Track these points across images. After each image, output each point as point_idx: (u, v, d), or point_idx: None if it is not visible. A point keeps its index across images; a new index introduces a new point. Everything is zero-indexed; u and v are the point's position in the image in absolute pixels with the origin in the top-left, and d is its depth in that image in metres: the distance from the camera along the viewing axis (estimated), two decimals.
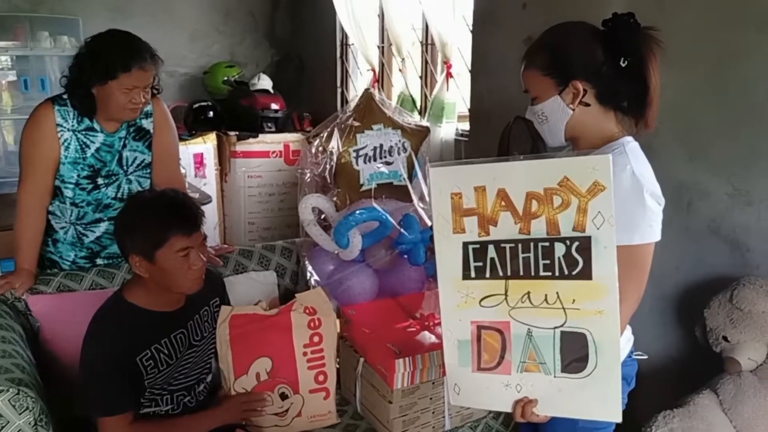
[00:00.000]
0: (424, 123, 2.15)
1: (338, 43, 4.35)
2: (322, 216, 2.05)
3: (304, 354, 1.83)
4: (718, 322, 1.85)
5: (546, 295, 1.16)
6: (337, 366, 1.95)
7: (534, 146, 2.46)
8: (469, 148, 3.22)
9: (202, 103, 4.35)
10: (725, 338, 1.82)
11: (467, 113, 3.28)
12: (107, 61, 1.89)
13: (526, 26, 2.79)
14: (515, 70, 2.97)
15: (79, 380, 1.61)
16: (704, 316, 1.90)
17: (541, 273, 1.16)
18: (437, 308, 2.05)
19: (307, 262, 2.08)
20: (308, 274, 2.06)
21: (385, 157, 2.03)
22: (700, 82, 2.09)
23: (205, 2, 4.68)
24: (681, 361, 2.19)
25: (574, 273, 1.14)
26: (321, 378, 1.84)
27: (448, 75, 3.24)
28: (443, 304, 1.24)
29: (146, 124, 2.10)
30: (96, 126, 2.02)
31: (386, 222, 1.96)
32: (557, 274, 1.15)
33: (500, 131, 2.69)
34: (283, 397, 1.82)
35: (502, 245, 1.17)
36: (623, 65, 1.29)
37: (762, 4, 1.96)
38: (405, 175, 2.06)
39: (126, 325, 1.63)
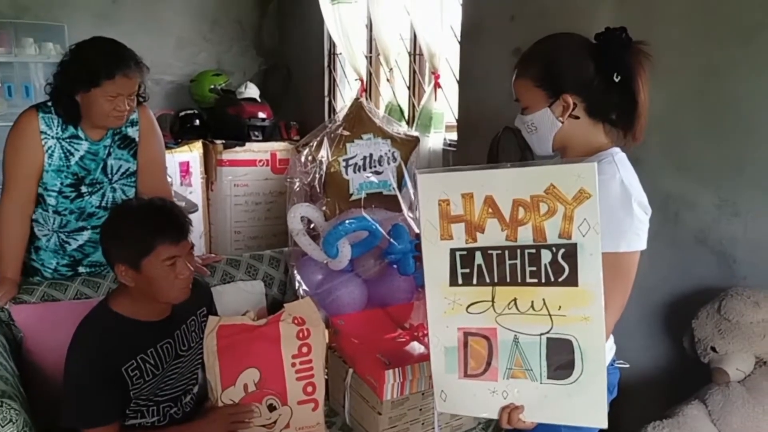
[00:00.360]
0: (414, 133, 2.14)
1: (326, 52, 4.35)
2: (311, 225, 2.03)
3: (293, 365, 1.81)
4: (706, 332, 1.85)
5: (532, 302, 1.17)
6: (326, 377, 1.93)
7: (522, 156, 2.47)
8: (457, 158, 3.22)
9: (189, 112, 4.33)
10: (713, 349, 1.83)
11: (455, 123, 3.29)
12: (90, 68, 1.87)
13: (514, 38, 2.80)
14: (503, 80, 2.98)
15: (63, 391, 1.58)
16: (692, 327, 1.91)
17: (528, 280, 1.17)
18: (426, 318, 2.06)
19: (295, 272, 2.06)
20: (296, 284, 2.04)
21: (375, 166, 2.02)
22: (687, 95, 2.11)
23: (192, 10, 4.66)
24: (669, 372, 2.19)
25: (560, 280, 1.15)
26: (309, 389, 1.82)
27: (436, 85, 3.25)
28: (430, 310, 1.24)
29: (132, 132, 2.08)
30: (80, 134, 1.99)
31: (376, 232, 1.95)
32: (543, 280, 1.16)
33: (488, 141, 2.70)
34: (271, 408, 1.80)
35: (489, 252, 1.18)
36: (616, 80, 1.30)
37: (747, 17, 1.99)
38: (395, 185, 2.05)
39: (111, 334, 1.61)
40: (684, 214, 2.11)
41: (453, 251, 1.20)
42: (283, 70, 4.87)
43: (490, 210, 1.17)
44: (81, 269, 2.12)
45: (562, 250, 1.14)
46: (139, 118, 2.09)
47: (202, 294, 1.87)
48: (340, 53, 4.16)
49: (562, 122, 1.34)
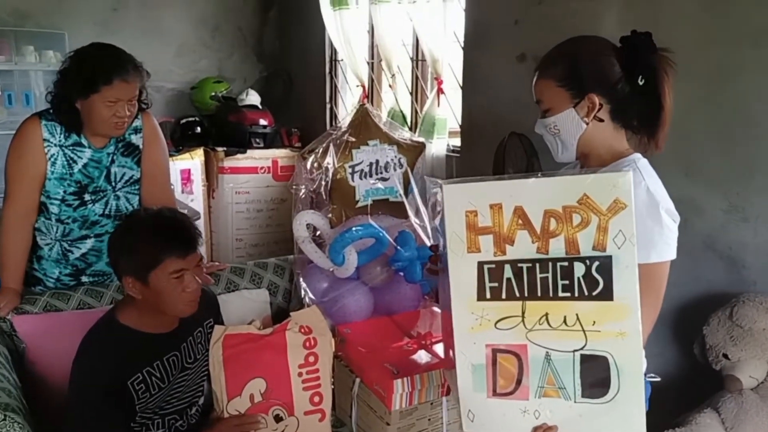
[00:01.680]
0: (420, 138, 2.12)
1: (327, 58, 4.33)
2: (317, 233, 2.01)
3: (299, 374, 1.77)
4: (717, 339, 1.83)
5: (565, 317, 1.13)
6: (332, 386, 1.90)
7: (529, 163, 2.45)
8: (461, 165, 3.21)
9: (190, 119, 4.31)
10: (725, 356, 1.81)
11: (458, 129, 3.27)
12: (88, 74, 1.86)
13: (518, 43, 2.79)
14: (507, 86, 2.99)
15: (67, 404, 1.56)
16: (703, 333, 1.89)
17: (560, 294, 1.13)
18: (433, 326, 2.03)
19: (301, 280, 2.04)
20: (302, 292, 2.02)
21: (381, 173, 2.00)
22: (695, 98, 2.09)
23: (193, 17, 4.64)
24: (679, 379, 2.17)
25: (594, 294, 1.11)
26: (317, 399, 1.79)
27: (439, 91, 3.24)
28: (456, 326, 1.19)
29: (135, 139, 2.06)
30: (84, 141, 1.98)
31: (383, 239, 1.93)
32: (577, 294, 1.12)
33: (492, 147, 2.68)
34: (278, 419, 1.76)
35: (519, 265, 1.14)
36: (640, 83, 1.28)
37: (755, 20, 1.97)
38: (401, 191, 2.03)
39: (117, 347, 1.58)
40: (693, 219, 2.09)
41: (481, 264, 1.15)
42: (284, 76, 4.86)
43: (520, 221, 1.13)
44: (84, 279, 2.10)
45: (596, 263, 1.11)
46: (143, 125, 2.07)
47: (209, 305, 1.85)
48: (342, 59, 4.15)
49: (587, 123, 1.32)
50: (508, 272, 1.14)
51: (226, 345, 1.74)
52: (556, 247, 1.12)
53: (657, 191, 1.28)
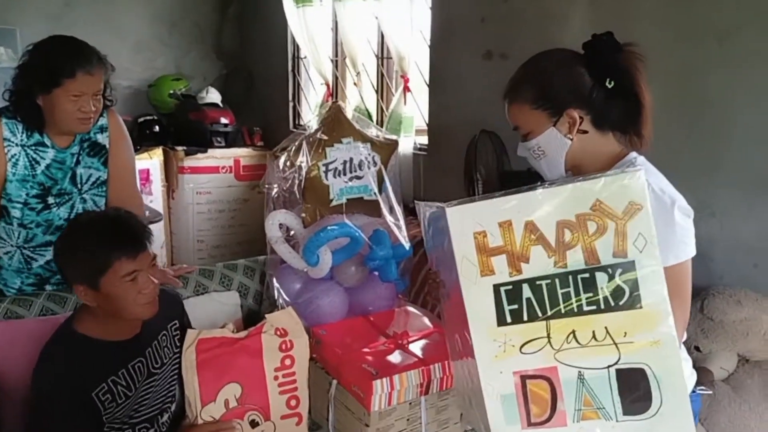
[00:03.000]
0: (393, 136, 2.10)
1: (290, 56, 4.28)
2: (290, 233, 1.97)
3: (276, 378, 1.74)
4: (689, 332, 1.86)
5: (594, 332, 1.07)
6: (308, 388, 1.87)
7: (499, 160, 2.46)
8: (428, 162, 3.21)
9: (148, 117, 4.22)
10: (697, 348, 1.84)
11: (425, 127, 3.27)
12: (50, 67, 1.77)
13: (485, 41, 2.80)
14: (474, 84, 2.99)
15: (29, 421, 1.48)
16: None
17: (585, 308, 1.07)
18: (408, 325, 2.02)
19: (274, 281, 1.99)
20: (276, 293, 1.98)
21: (355, 171, 1.97)
22: (662, 96, 2.10)
23: (149, 13, 4.53)
24: None
25: (621, 303, 1.06)
26: (293, 403, 1.76)
27: (406, 89, 3.22)
28: (479, 356, 1.10)
29: (101, 138, 1.98)
30: (46, 141, 1.89)
31: (358, 238, 1.90)
32: (603, 307, 1.07)
33: (460, 145, 2.69)
34: (254, 424, 1.72)
35: (538, 282, 1.08)
36: (609, 86, 1.27)
37: (721, 16, 2.01)
38: (375, 190, 2.00)
39: (77, 358, 1.50)
40: None
41: (497, 287, 1.09)
42: (245, 74, 4.78)
43: (532, 236, 1.08)
44: (48, 287, 2.01)
45: (619, 270, 1.06)
46: (109, 122, 1.99)
47: (171, 306, 1.78)
48: (305, 57, 4.10)
49: (572, 139, 1.30)
50: (526, 292, 1.08)
51: (199, 349, 1.70)
52: (575, 259, 1.07)
53: (664, 189, 1.26)
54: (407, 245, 2.02)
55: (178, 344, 1.74)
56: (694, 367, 1.85)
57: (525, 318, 1.09)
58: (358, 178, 1.99)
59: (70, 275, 1.52)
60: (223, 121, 4.18)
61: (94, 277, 1.46)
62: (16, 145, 1.86)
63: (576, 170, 1.36)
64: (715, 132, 2.05)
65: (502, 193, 1.09)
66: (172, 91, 4.36)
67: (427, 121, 3.25)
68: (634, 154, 1.33)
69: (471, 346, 1.11)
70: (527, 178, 1.99)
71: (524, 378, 1.10)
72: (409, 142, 3.22)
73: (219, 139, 4.18)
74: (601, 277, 1.07)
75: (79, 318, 1.57)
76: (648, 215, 1.06)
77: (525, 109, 1.32)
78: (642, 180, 1.07)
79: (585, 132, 1.30)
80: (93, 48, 1.85)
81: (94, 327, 1.54)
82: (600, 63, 1.28)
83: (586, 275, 1.07)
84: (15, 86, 1.84)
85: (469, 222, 1.09)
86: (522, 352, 1.09)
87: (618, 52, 1.28)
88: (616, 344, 1.07)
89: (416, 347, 1.85)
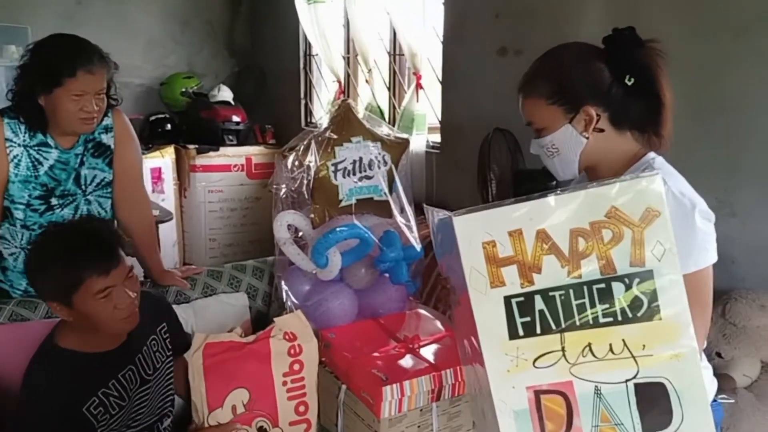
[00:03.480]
0: (403, 135, 2.06)
1: (301, 53, 4.26)
2: (299, 234, 1.93)
3: (284, 383, 1.71)
4: (709, 338, 1.80)
5: (611, 345, 1.02)
6: (317, 393, 1.83)
7: (513, 159, 2.41)
8: (441, 160, 3.16)
9: (160, 116, 4.22)
10: (719, 354, 1.78)
11: (438, 125, 3.22)
12: (50, 66, 1.74)
13: (499, 36, 2.75)
14: (488, 80, 2.94)
15: None
16: None
17: (601, 320, 1.02)
18: (420, 329, 1.97)
19: (282, 283, 1.96)
20: (284, 296, 1.94)
21: (365, 170, 1.92)
22: (679, 93, 2.05)
23: (161, 11, 4.52)
24: None
25: (639, 315, 1.01)
26: (302, 409, 1.73)
27: (418, 86, 3.18)
28: (490, 370, 1.06)
29: (106, 138, 1.95)
30: (50, 141, 1.86)
31: (368, 239, 1.85)
32: (620, 318, 1.02)
33: (473, 143, 2.64)
34: (262, 431, 1.69)
35: (551, 294, 1.03)
36: (629, 83, 1.21)
37: (737, 11, 1.95)
38: (386, 190, 1.96)
39: (63, 375, 1.45)
40: None
41: (508, 299, 1.04)
42: (257, 72, 4.76)
43: (544, 246, 1.03)
44: None
45: (636, 280, 1.01)
46: (114, 122, 1.96)
47: (158, 309, 1.73)
48: (317, 54, 4.07)
49: (587, 137, 1.25)
50: (539, 303, 1.03)
51: (206, 354, 1.67)
52: (590, 269, 1.02)
53: (684, 192, 1.21)
54: (418, 246, 1.97)
55: (169, 347, 1.70)
56: (716, 374, 1.80)
57: (538, 331, 1.04)
58: (368, 178, 1.95)
59: (41, 292, 1.48)
60: (235, 119, 4.16)
61: (66, 294, 1.40)
62: (19, 145, 1.83)
63: (590, 170, 1.32)
64: (735, 129, 1.99)
65: (511, 200, 1.04)
66: (184, 89, 4.35)
67: (439, 119, 3.20)
68: (652, 154, 1.28)
69: (480, 353, 1.07)
70: (542, 177, 1.95)
71: (538, 393, 1.05)
72: (421, 140, 3.18)
73: (231, 137, 4.17)
74: (617, 288, 1.03)
75: (60, 332, 1.52)
76: (666, 222, 1.01)
77: (540, 104, 1.27)
78: (660, 184, 1.01)
79: (601, 131, 1.25)
80: (95, 46, 1.82)
81: (76, 340, 1.49)
82: (620, 58, 1.23)
83: (602, 285, 1.02)
84: (16, 86, 1.82)
85: (477, 231, 1.04)
86: (535, 366, 1.04)
87: (639, 47, 1.23)
88: (634, 357, 1.03)
89: (428, 352, 1.81)
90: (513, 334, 1.04)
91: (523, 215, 1.03)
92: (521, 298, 1.04)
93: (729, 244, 2.00)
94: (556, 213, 1.02)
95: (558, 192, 1.03)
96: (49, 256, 1.44)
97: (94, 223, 1.56)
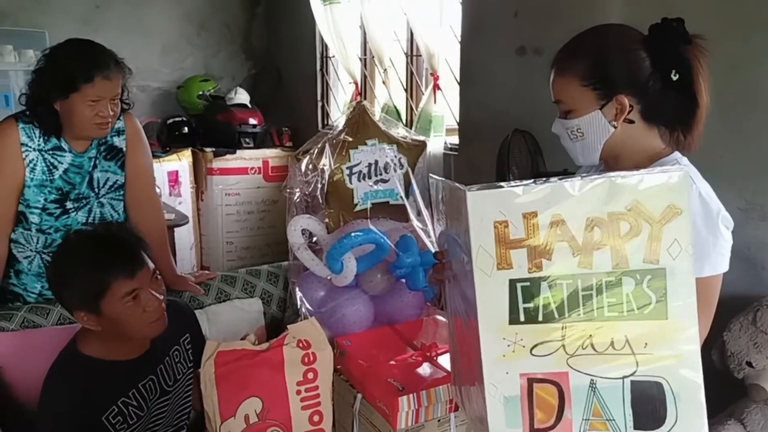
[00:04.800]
0: (420, 137, 2.01)
1: (318, 55, 4.22)
2: (313, 239, 1.90)
3: (298, 392, 1.66)
4: (740, 346, 1.73)
5: (612, 340, 0.99)
6: (332, 402, 1.79)
7: (533, 162, 2.35)
8: (459, 163, 3.11)
9: (177, 119, 4.21)
10: (749, 363, 1.71)
11: (455, 126, 3.17)
12: (67, 72, 1.73)
13: (518, 35, 2.69)
14: (507, 81, 2.87)
15: None
16: (723, 339, 1.79)
17: (606, 314, 0.99)
18: (437, 336, 1.92)
19: (297, 289, 1.92)
20: (299, 302, 1.90)
21: (381, 174, 1.88)
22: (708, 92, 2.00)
23: (178, 14, 4.51)
24: None
25: (646, 312, 0.98)
26: (316, 418, 1.68)
27: (436, 87, 3.13)
28: (485, 354, 1.04)
29: (118, 141, 1.94)
30: (64, 145, 1.85)
31: (383, 245, 1.81)
32: (626, 314, 0.99)
33: (492, 145, 2.58)
34: None
35: (558, 282, 1.00)
36: (674, 78, 1.16)
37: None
38: (402, 194, 1.91)
39: (85, 383, 1.44)
40: None
41: (513, 282, 1.01)
42: (274, 74, 4.74)
43: (558, 232, 0.99)
44: None
45: (648, 277, 0.98)
46: (125, 126, 1.95)
47: (183, 318, 1.71)
48: (333, 56, 4.04)
49: (616, 127, 1.20)
50: (545, 290, 1.00)
51: (218, 362, 1.63)
52: (601, 261, 0.98)
53: (710, 195, 1.16)
54: None
55: (191, 358, 1.68)
56: (746, 384, 1.73)
57: (540, 318, 1.01)
58: (384, 181, 1.91)
59: (68, 303, 1.46)
60: (252, 121, 4.15)
61: (93, 302, 1.40)
62: (34, 150, 1.82)
63: (611, 161, 1.26)
64: (764, 130, 1.91)
65: (530, 180, 0.99)
66: (200, 92, 4.34)
67: (457, 120, 3.15)
68: (677, 154, 1.23)
69: (476, 333, 1.03)
70: None
71: (531, 381, 1.03)
72: (439, 141, 3.13)
73: (247, 139, 4.15)
74: (627, 283, 0.99)
75: (83, 339, 1.50)
76: (687, 221, 0.97)
77: (573, 84, 1.21)
78: (686, 182, 0.97)
79: (631, 122, 1.20)
80: (110, 51, 1.81)
81: (100, 347, 1.48)
82: (664, 51, 1.17)
83: (612, 279, 0.99)
84: (31, 91, 1.81)
85: (491, 209, 0.99)
86: (532, 354, 1.02)
87: (687, 43, 1.17)
88: (634, 354, 0.99)
89: (445, 360, 1.76)
90: (513, 319, 1.01)
91: (540, 198, 0.98)
92: (527, 283, 1.00)
93: (759, 248, 1.93)
94: (574, 199, 0.98)
95: (580, 178, 0.98)
96: (73, 265, 1.43)
97: (112, 227, 1.55)
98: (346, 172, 1.87)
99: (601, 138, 1.21)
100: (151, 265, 1.49)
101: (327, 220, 1.90)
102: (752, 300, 1.82)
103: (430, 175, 1.18)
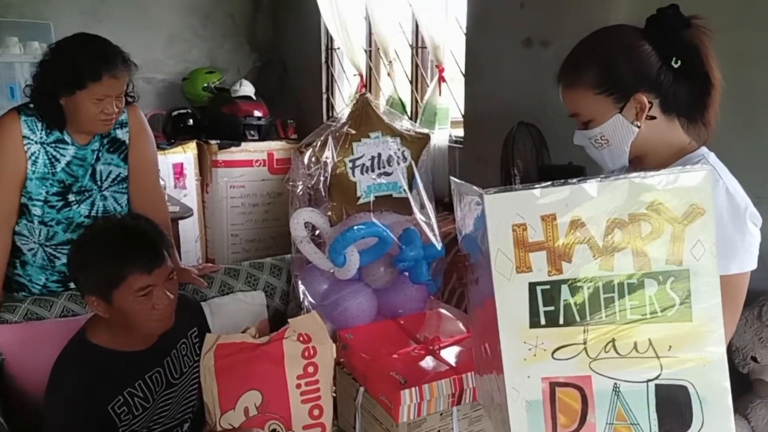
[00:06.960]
0: (424, 130, 2.00)
1: (323, 47, 4.21)
2: (316, 232, 1.89)
3: (298, 386, 1.66)
4: (745, 341, 1.72)
5: (635, 343, 0.98)
6: (334, 395, 1.79)
7: (539, 154, 2.33)
8: (464, 155, 3.09)
9: (182, 111, 4.20)
10: (754, 359, 1.70)
11: (461, 119, 3.16)
12: (74, 69, 1.73)
13: (524, 27, 2.67)
14: (513, 73, 2.85)
15: None
16: None
17: (629, 317, 0.97)
18: (440, 330, 1.92)
19: (299, 283, 1.91)
20: (301, 295, 1.90)
21: (384, 167, 1.87)
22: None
23: (183, 5, 4.50)
24: None
25: (669, 315, 0.97)
26: (316, 412, 1.68)
27: (441, 79, 3.11)
28: (506, 357, 1.02)
29: (121, 134, 1.94)
30: (66, 138, 1.85)
31: (386, 238, 1.80)
32: (649, 317, 0.97)
33: (497, 137, 2.57)
34: None
35: (579, 285, 0.98)
36: (676, 66, 1.15)
37: None
38: (405, 187, 1.90)
39: (92, 371, 1.45)
40: None
41: (533, 286, 0.99)
42: (279, 66, 4.73)
43: (577, 234, 0.97)
44: (72, 285, 1.97)
45: (671, 279, 0.96)
46: (129, 118, 1.95)
47: (191, 313, 1.72)
48: (338, 48, 4.02)
49: (639, 126, 1.18)
50: (565, 293, 0.98)
51: (218, 355, 1.63)
52: (623, 263, 0.97)
53: (737, 191, 1.14)
54: (439, 245, 1.91)
55: (198, 352, 1.68)
56: (751, 379, 1.72)
57: (561, 322, 0.99)
58: (387, 174, 1.89)
59: (82, 285, 1.47)
60: (257, 114, 4.14)
61: (107, 289, 1.41)
62: (36, 142, 1.82)
63: (639, 160, 1.24)
64: None
65: (548, 183, 0.97)
66: (206, 84, 4.34)
67: (463, 113, 3.13)
68: (704, 149, 1.21)
69: (497, 336, 1.02)
70: (568, 173, 1.88)
71: (554, 385, 1.01)
72: (444, 134, 3.12)
73: (252, 132, 4.14)
74: (650, 285, 0.97)
75: (92, 328, 1.52)
76: (711, 221, 0.95)
77: (587, 95, 1.19)
78: (708, 181, 0.95)
79: (653, 118, 1.18)
80: (117, 48, 1.81)
81: (108, 337, 1.49)
82: (666, 40, 1.16)
83: (634, 281, 0.97)
84: (36, 84, 1.81)
85: (508, 212, 0.98)
86: (554, 358, 1.00)
87: (686, 27, 1.16)
88: (659, 358, 0.98)
89: (448, 354, 1.75)
90: (534, 323, 1.00)
91: (559, 200, 0.97)
92: (547, 286, 0.99)
93: (766, 243, 1.91)
94: (594, 201, 0.97)
95: (599, 179, 0.96)
96: (95, 250, 1.45)
97: (140, 221, 1.55)
98: (349, 164, 1.86)
99: (626, 140, 1.20)
100: (170, 264, 1.50)
101: (330, 213, 1.89)
102: (758, 295, 1.80)
103: (452, 178, 1.17)
